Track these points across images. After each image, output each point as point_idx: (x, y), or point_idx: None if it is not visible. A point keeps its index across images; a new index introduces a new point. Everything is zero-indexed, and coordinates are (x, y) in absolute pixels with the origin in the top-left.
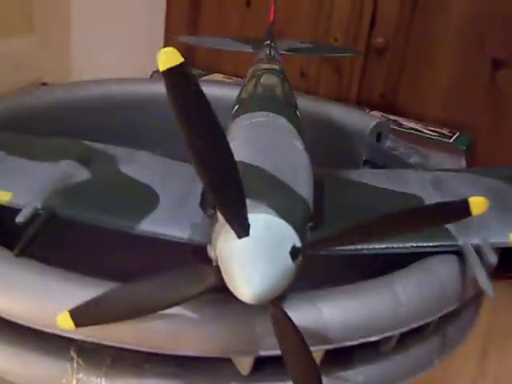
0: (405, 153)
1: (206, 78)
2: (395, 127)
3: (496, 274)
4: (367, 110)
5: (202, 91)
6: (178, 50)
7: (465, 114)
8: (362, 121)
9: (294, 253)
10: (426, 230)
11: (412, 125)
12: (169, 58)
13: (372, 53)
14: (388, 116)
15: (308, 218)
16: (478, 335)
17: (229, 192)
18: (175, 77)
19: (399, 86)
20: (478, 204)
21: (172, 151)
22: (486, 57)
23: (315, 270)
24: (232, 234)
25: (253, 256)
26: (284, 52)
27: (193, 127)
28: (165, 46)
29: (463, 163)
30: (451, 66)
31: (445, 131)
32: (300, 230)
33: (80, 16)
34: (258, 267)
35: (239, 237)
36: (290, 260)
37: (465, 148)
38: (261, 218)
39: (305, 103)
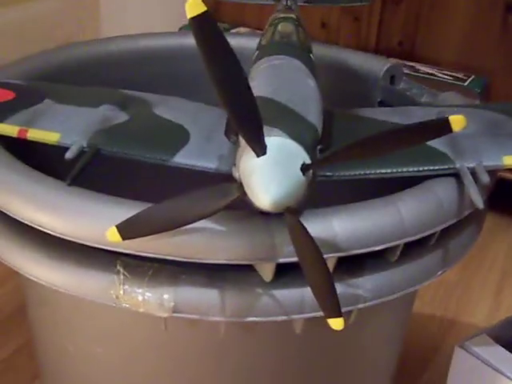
0: (417, 93)
1: (230, 31)
2: (412, 73)
3: None
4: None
5: (223, 34)
6: (203, 1)
7: (479, 57)
8: (376, 64)
9: (304, 168)
10: (427, 156)
11: (428, 70)
12: (194, 7)
13: (389, 1)
14: (405, 62)
15: (316, 141)
16: (495, 272)
17: (248, 119)
18: (200, 23)
19: (416, 34)
20: (457, 121)
21: (200, 98)
22: (500, 1)
23: (330, 199)
24: (252, 153)
25: (269, 170)
26: (302, 3)
27: (216, 63)
28: None
29: None
30: (465, 11)
31: (460, 75)
32: (309, 150)
33: None
34: (274, 178)
35: (258, 155)
36: (300, 174)
37: (479, 91)
38: (275, 140)
39: (323, 51)
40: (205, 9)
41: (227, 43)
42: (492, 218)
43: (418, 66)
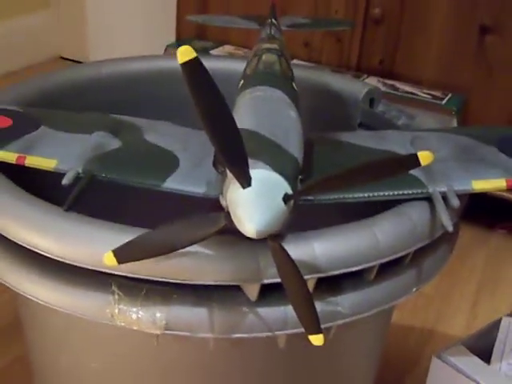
0: (395, 115)
1: (216, 50)
2: (391, 91)
3: (491, 225)
4: (365, 76)
5: (211, 78)
6: (191, 31)
7: (457, 76)
8: (356, 88)
9: (286, 198)
10: (401, 181)
11: (407, 88)
12: (185, 53)
13: (370, 23)
14: (385, 81)
15: (297, 172)
16: (472, 284)
17: (235, 155)
18: (190, 68)
19: (396, 53)
20: (425, 157)
21: (188, 120)
22: (475, 23)
23: (311, 221)
24: (238, 185)
25: (254, 201)
26: (286, 28)
27: (205, 105)
28: (177, 22)
29: (455, 123)
30: (443, 32)
31: (438, 93)
32: (291, 181)
33: None
34: (258, 209)
35: (243, 187)
36: (282, 204)
37: (456, 109)
38: (259, 173)
39: (305, 74)
40: (195, 55)
41: (215, 86)
42: (468, 232)
43: (397, 84)
